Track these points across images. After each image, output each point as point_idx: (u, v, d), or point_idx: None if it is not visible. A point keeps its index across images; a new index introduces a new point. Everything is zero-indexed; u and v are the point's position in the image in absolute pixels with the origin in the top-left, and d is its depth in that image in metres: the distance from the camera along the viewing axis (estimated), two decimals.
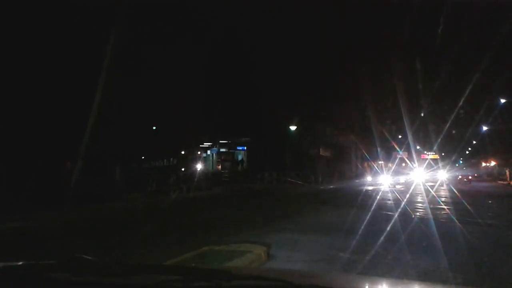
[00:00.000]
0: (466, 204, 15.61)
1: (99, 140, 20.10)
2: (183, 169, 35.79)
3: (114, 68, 19.66)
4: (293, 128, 37.23)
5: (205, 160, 39.77)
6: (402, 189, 27.45)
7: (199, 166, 35.07)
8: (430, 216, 12.69)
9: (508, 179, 39.41)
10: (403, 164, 43.15)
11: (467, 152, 50.43)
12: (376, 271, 6.00)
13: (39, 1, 17.81)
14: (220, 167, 40.64)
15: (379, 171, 37.10)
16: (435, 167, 38.46)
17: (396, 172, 32.63)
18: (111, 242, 8.60)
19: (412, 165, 40.93)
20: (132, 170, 29.85)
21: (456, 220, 11.22)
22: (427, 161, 39.42)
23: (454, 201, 18.08)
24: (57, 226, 12.19)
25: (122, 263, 1.64)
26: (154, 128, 33.39)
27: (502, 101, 31.32)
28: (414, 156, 41.26)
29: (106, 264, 1.62)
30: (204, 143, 39.75)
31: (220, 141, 39.08)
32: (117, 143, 23.14)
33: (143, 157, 38.15)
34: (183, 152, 39.18)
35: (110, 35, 18.95)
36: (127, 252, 7.46)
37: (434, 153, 44.64)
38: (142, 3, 20.54)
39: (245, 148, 40.11)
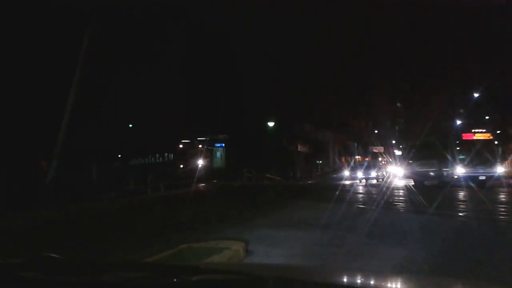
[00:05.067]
0: None
1: (75, 138, 19.79)
2: (181, 166, 35.11)
3: (91, 66, 19.39)
4: (271, 124, 37.35)
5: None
6: (377, 183, 27.95)
7: (200, 162, 34.31)
8: (402, 206, 12.97)
9: None
10: (380, 159, 43.75)
11: None
12: (354, 264, 6.09)
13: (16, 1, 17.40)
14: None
15: (356, 166, 37.50)
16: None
17: (373, 167, 32.99)
18: (86, 242, 8.46)
19: (388, 159, 41.51)
20: (110, 169, 29.46)
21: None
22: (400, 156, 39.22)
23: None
24: (30, 226, 11.95)
25: (90, 261, 1.62)
26: (130, 126, 33.06)
27: (475, 95, 32.07)
28: (390, 150, 41.85)
29: (74, 262, 1.61)
30: (182, 140, 39.51)
31: (198, 138, 38.86)
32: (93, 141, 22.84)
33: (119, 156, 37.63)
34: (181, 146, 38.22)
35: (85, 32, 18.64)
36: (102, 253, 7.35)
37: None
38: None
39: (223, 145, 40.04)
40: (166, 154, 38.95)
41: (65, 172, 19.34)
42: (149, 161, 41.78)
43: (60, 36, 18.70)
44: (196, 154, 37.87)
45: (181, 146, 38.41)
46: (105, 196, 20.51)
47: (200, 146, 37.97)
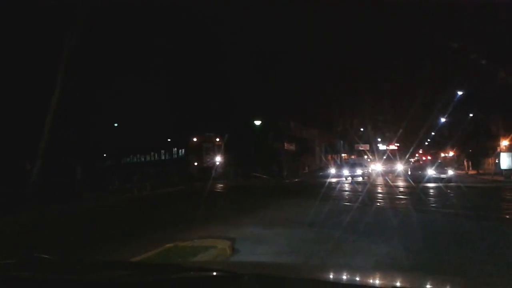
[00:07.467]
0: None
1: (59, 139, 19.64)
2: (196, 164, 33.81)
3: (76, 65, 19.23)
4: (257, 123, 37.30)
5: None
6: (363, 180, 28.24)
7: (218, 159, 32.83)
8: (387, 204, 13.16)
9: (466, 168, 41.05)
10: (365, 156, 44.19)
11: (426, 143, 52.01)
12: (337, 260, 6.20)
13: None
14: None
15: (342, 163, 37.87)
16: (394, 159, 39.51)
17: (358, 164, 33.33)
18: (72, 243, 8.44)
19: (373, 157, 42.05)
20: (96, 168, 29.21)
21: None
22: (386, 153, 40.16)
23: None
24: (15, 228, 11.86)
25: (79, 261, 1.69)
26: (115, 125, 32.84)
27: (459, 93, 32.58)
28: (375, 148, 42.39)
29: (64, 262, 1.67)
30: (169, 139, 39.34)
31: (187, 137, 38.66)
32: (78, 142, 22.67)
33: (104, 155, 37.18)
34: (195, 139, 36.14)
35: (69, 30, 18.46)
36: (90, 253, 7.35)
37: (396, 145, 45.79)
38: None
39: None
40: (201, 145, 36.61)
41: (49, 172, 19.17)
42: (171, 156, 39.83)
43: (43, 35, 18.50)
44: (212, 150, 35.81)
45: (195, 139, 36.27)
46: (90, 196, 20.36)
47: (218, 140, 35.82)
